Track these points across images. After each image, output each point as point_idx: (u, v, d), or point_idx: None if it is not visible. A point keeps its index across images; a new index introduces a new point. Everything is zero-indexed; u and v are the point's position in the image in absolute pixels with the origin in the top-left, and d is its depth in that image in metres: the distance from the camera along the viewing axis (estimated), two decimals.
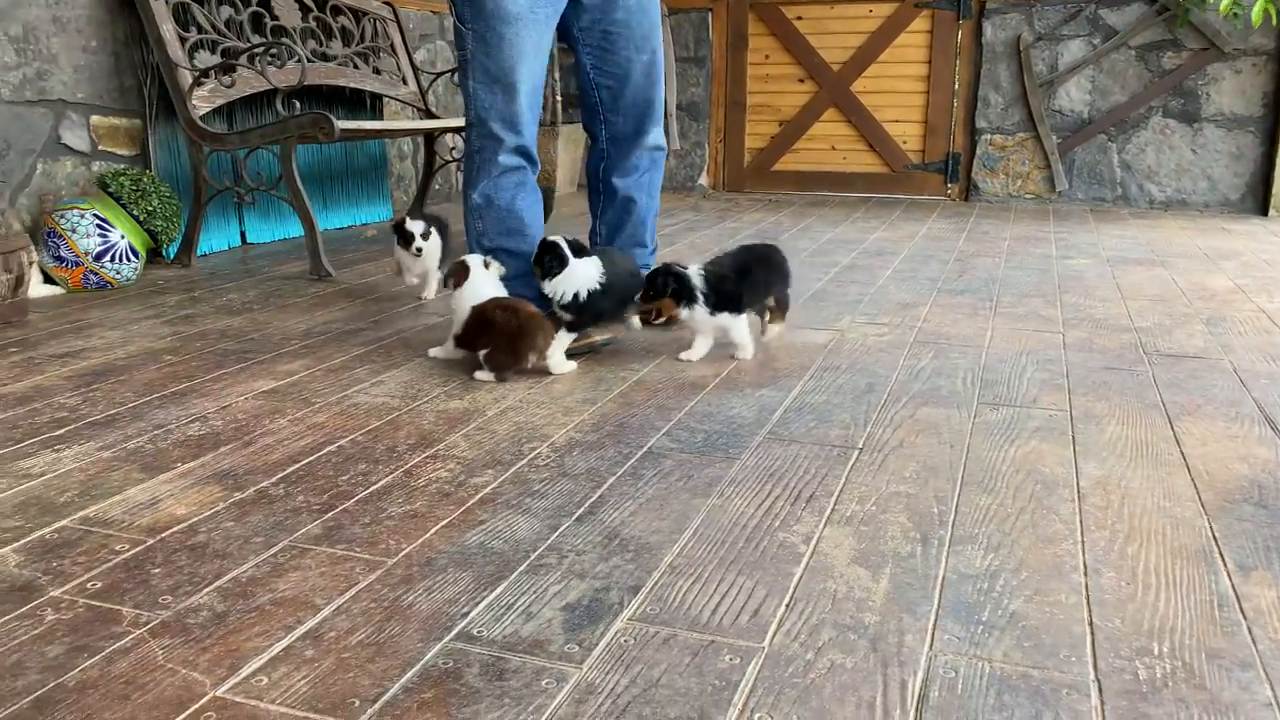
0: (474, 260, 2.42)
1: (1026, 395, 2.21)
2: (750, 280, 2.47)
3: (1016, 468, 1.79)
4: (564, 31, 2.64)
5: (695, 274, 2.39)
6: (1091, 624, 1.28)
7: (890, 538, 1.52)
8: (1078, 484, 1.72)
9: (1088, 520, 1.58)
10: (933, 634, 1.25)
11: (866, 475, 1.76)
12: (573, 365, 2.40)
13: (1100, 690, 1.14)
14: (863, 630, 1.26)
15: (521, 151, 2.56)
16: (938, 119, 5.82)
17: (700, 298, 2.38)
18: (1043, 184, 5.67)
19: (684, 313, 2.40)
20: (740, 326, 2.45)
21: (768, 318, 2.62)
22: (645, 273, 2.52)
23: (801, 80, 6.05)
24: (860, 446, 1.90)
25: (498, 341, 2.27)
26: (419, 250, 3.02)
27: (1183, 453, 1.87)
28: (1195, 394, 2.22)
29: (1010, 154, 5.70)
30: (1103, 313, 3.02)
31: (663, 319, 2.44)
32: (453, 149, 5.22)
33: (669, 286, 2.38)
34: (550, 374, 2.34)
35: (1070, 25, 5.43)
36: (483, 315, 2.30)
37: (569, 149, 5.86)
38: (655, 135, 2.76)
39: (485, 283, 2.39)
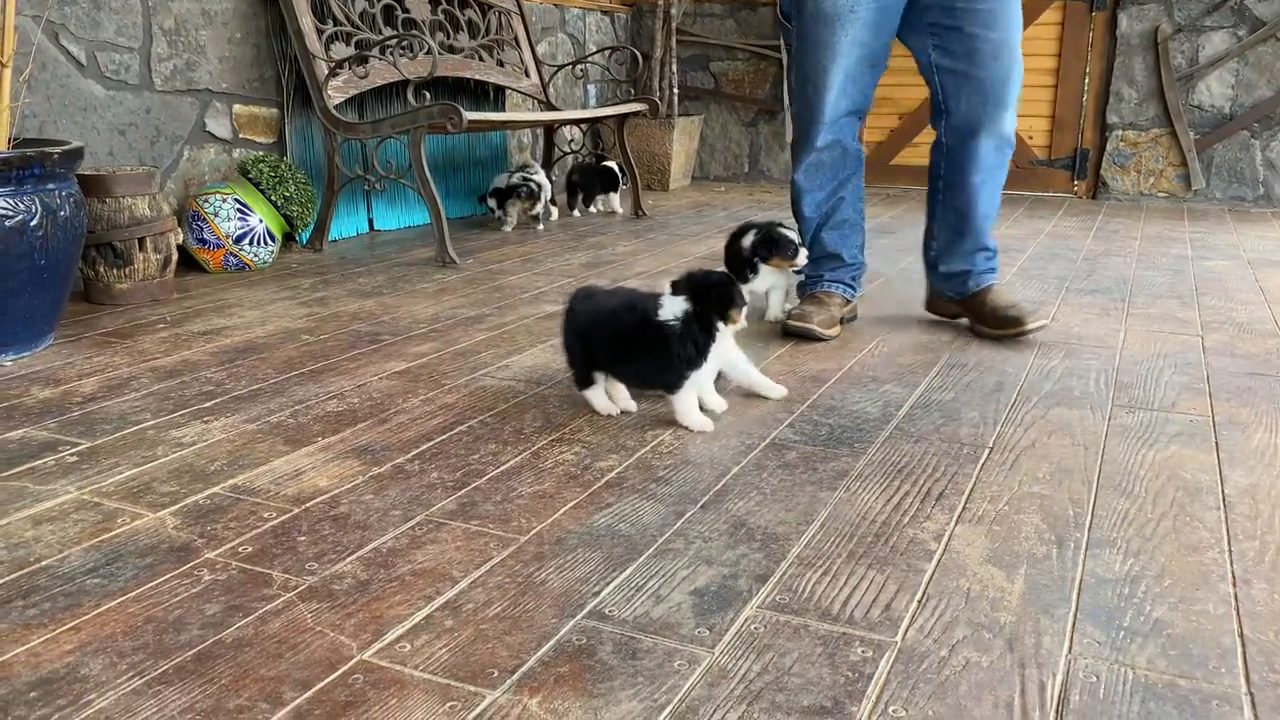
0: None
1: (1164, 399, 2.13)
2: None
3: (1156, 472, 1.73)
4: (902, 21, 2.56)
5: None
6: (1242, 636, 1.23)
7: (1024, 538, 1.48)
8: (1223, 491, 1.66)
9: (1235, 529, 1.52)
10: (1071, 637, 1.22)
11: (998, 475, 1.72)
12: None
13: (1254, 704, 1.10)
14: (998, 629, 1.24)
15: (831, 148, 2.63)
16: (1066, 114, 5.62)
17: None
18: (1177, 182, 5.44)
19: None
20: None
21: None
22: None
23: None
24: (990, 445, 1.86)
25: None
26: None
27: None
28: None
29: (1143, 151, 5.48)
30: (1245, 316, 2.88)
31: None
32: (570, 141, 5.28)
33: None
34: None
35: (1213, 16, 5.19)
36: None
37: (683, 141, 5.87)
38: (1003, 123, 2.52)
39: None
